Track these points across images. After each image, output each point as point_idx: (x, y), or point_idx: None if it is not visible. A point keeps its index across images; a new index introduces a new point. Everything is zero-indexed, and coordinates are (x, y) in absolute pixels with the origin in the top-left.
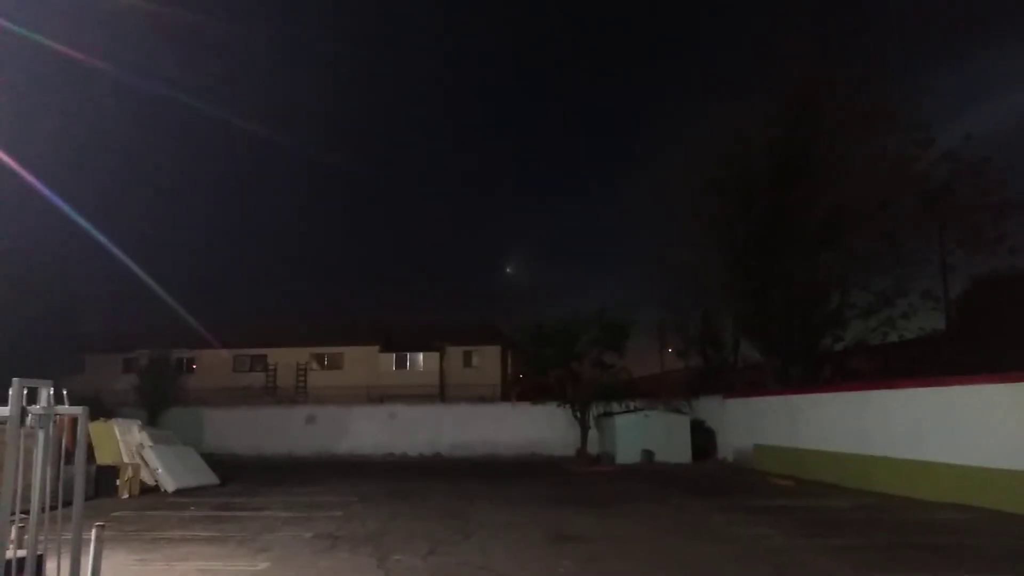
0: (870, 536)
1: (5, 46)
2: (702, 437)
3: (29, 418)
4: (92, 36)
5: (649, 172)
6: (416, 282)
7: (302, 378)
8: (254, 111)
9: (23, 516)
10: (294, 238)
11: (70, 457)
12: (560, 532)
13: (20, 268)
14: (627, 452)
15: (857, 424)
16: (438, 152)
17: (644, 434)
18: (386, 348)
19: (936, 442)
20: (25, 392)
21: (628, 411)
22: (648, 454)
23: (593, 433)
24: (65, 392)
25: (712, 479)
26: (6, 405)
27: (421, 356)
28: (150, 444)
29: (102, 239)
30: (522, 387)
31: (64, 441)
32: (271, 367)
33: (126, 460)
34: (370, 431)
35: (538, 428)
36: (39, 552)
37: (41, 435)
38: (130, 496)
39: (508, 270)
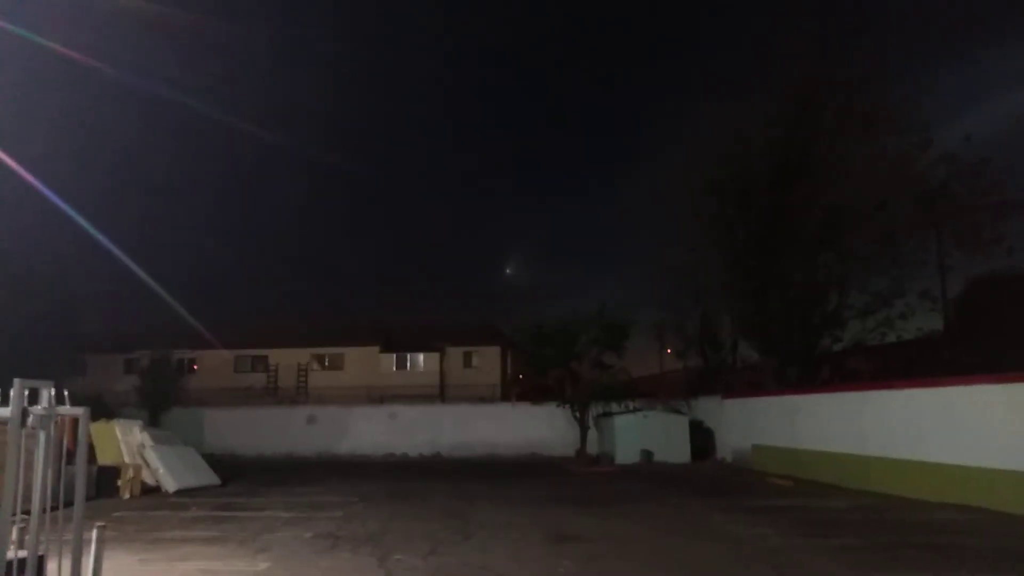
0: (869, 536)
1: (5, 46)
2: (701, 437)
3: (30, 419)
4: (91, 36)
5: (649, 172)
6: (416, 282)
7: (303, 379)
8: (254, 111)
9: (24, 517)
10: (294, 238)
11: (71, 458)
12: (560, 532)
13: (20, 268)
14: (626, 452)
15: (855, 424)
16: (438, 152)
17: (643, 434)
18: (386, 348)
19: (934, 442)
20: (26, 393)
21: (627, 411)
22: (647, 454)
23: (592, 433)
24: (66, 393)
25: (711, 479)
26: (7, 406)
27: (421, 356)
28: (151, 444)
29: (102, 239)
30: (522, 387)
31: (65, 442)
32: (272, 368)
33: (127, 460)
34: (370, 431)
35: (538, 428)
36: (40, 553)
37: (42, 436)
38: (131, 496)
39: (508, 270)
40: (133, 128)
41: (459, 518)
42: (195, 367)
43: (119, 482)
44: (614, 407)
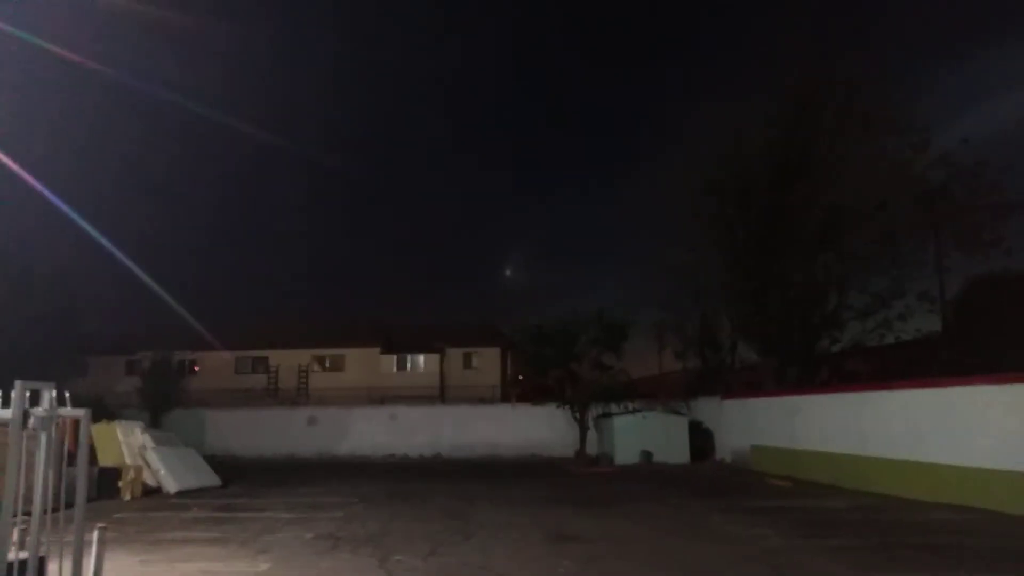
0: (867, 536)
1: (5, 49)
2: (700, 438)
3: (31, 420)
4: (91, 38)
5: (649, 172)
6: (416, 282)
7: (303, 380)
8: (254, 112)
9: (25, 518)
10: (294, 239)
11: (72, 459)
12: (560, 532)
13: (21, 269)
14: (626, 453)
15: (854, 425)
16: (438, 152)
17: (642, 435)
18: (387, 349)
19: (933, 443)
20: (27, 394)
21: (627, 412)
22: (647, 455)
23: (592, 434)
24: (67, 394)
25: (710, 480)
26: (8, 407)
27: (422, 358)
28: (152, 446)
29: (103, 241)
30: (522, 388)
31: (66, 443)
32: (273, 369)
33: (128, 462)
34: (371, 432)
35: (538, 429)
36: (41, 554)
37: (43, 437)
38: (132, 498)
39: (508, 271)
40: (133, 129)
41: (459, 518)
42: (196, 368)
43: (120, 483)
44: (614, 408)
